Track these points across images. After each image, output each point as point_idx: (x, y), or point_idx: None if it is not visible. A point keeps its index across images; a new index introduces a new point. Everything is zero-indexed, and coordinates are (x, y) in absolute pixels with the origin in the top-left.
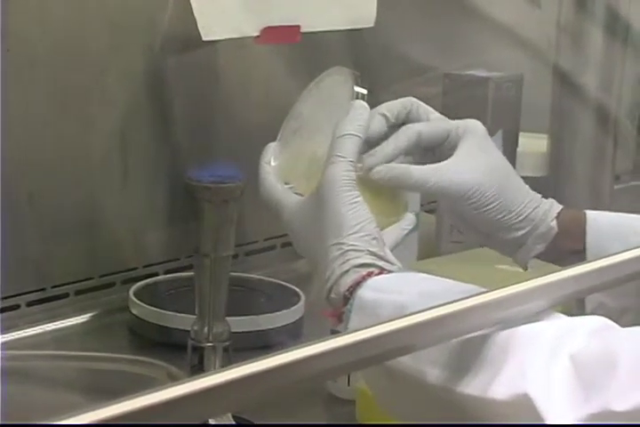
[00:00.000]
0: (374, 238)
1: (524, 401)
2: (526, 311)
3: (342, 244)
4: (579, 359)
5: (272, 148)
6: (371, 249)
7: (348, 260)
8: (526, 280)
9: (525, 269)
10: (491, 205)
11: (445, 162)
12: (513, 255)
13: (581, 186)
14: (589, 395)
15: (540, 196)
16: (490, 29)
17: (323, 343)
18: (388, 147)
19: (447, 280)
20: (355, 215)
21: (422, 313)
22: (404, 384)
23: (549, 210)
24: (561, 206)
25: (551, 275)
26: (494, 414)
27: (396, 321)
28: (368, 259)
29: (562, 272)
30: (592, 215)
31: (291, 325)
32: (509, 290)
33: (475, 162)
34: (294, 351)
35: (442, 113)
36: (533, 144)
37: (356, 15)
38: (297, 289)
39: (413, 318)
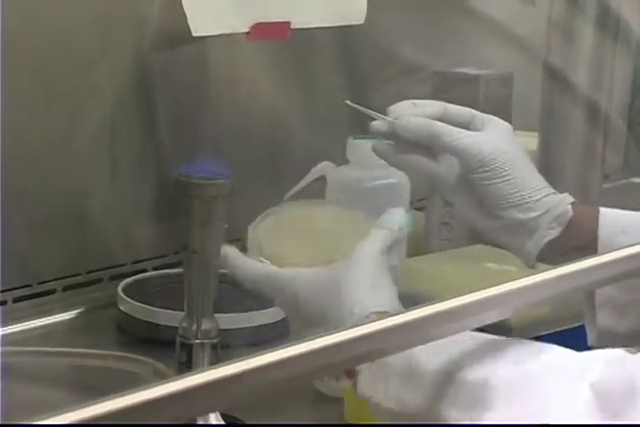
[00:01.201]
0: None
1: None
2: (517, 309)
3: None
4: (599, 387)
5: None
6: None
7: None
8: (517, 278)
9: (533, 264)
10: (507, 177)
11: (471, 131)
12: (523, 247)
13: (571, 184)
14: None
15: (553, 190)
16: (481, 27)
17: (312, 342)
18: (414, 110)
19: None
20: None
21: (411, 312)
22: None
23: (564, 198)
24: (573, 199)
25: (541, 273)
26: None
27: (385, 320)
28: None
29: (552, 271)
30: (605, 210)
31: (279, 322)
32: (503, 287)
33: (498, 140)
34: (283, 350)
35: None
36: (523, 142)
37: (347, 12)
38: None
39: (402, 318)
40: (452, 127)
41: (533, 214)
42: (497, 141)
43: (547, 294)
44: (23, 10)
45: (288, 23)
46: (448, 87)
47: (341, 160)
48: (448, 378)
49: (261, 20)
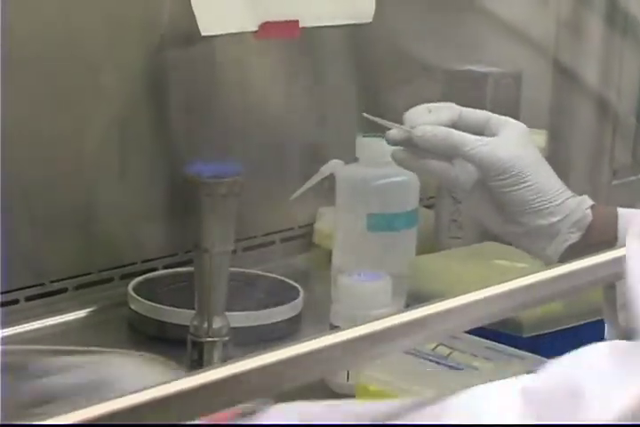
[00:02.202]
0: None
1: None
2: (532, 304)
3: None
4: (531, 393)
5: None
6: None
7: None
8: (527, 275)
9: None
10: (528, 183)
11: (488, 137)
12: (544, 251)
13: (579, 181)
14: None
15: (571, 192)
16: (489, 25)
17: (322, 338)
18: (429, 117)
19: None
20: None
21: (419, 309)
22: None
23: (583, 201)
24: (592, 202)
25: (544, 272)
26: None
27: (395, 317)
28: None
29: (555, 269)
30: (623, 210)
31: (289, 320)
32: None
33: (515, 144)
34: (293, 347)
35: None
36: (532, 140)
37: (355, 10)
38: (296, 284)
39: (409, 315)
40: (469, 136)
41: (554, 219)
42: (514, 147)
43: (561, 289)
44: (33, 11)
45: (297, 22)
46: (457, 85)
47: (350, 158)
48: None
49: (270, 18)
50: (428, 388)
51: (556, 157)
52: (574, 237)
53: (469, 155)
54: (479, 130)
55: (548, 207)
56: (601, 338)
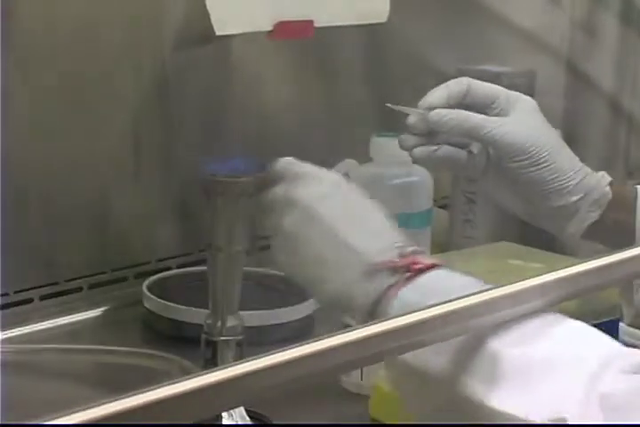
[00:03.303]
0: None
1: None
2: (541, 306)
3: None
4: (609, 400)
5: None
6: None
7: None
8: (543, 274)
9: (577, 244)
10: (545, 164)
11: (502, 117)
12: (564, 230)
13: None
14: None
15: (589, 168)
16: (503, 26)
17: (335, 337)
18: (438, 91)
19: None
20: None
21: (433, 308)
22: (436, 392)
23: (601, 179)
24: (610, 178)
25: (565, 269)
26: None
27: (407, 316)
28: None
29: (575, 267)
30: None
31: (303, 319)
32: (525, 284)
33: (529, 123)
34: (307, 345)
35: None
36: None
37: (370, 11)
38: None
39: (424, 313)
40: (485, 117)
41: (574, 199)
42: (531, 126)
43: (577, 288)
44: (46, 12)
45: (311, 22)
46: None
47: (364, 158)
48: (472, 347)
49: (284, 18)
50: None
51: None
52: (594, 215)
53: (487, 137)
54: (489, 104)
55: (566, 187)
56: (615, 338)
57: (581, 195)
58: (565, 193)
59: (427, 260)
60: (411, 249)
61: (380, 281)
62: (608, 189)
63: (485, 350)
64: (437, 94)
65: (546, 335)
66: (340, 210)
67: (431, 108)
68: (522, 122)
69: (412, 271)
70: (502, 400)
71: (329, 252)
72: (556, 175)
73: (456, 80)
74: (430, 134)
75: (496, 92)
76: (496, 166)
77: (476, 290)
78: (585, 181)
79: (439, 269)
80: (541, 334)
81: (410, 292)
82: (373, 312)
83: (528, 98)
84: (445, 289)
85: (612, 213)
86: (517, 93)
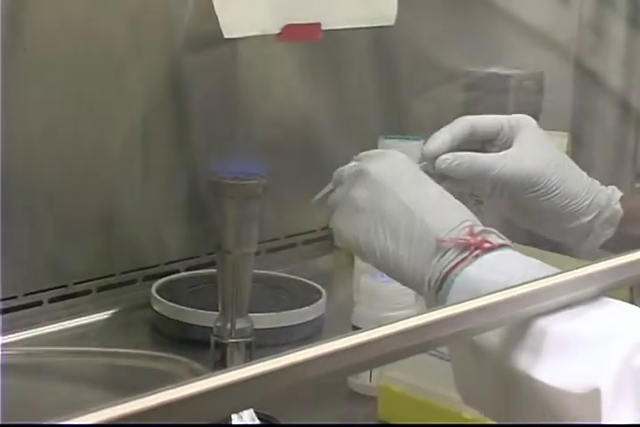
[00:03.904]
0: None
1: (594, 396)
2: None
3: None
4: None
5: None
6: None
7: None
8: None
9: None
10: (556, 191)
11: (507, 151)
12: (580, 246)
13: (602, 184)
14: None
15: (598, 182)
16: (512, 27)
17: (344, 339)
18: (443, 135)
19: (555, 269)
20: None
21: (442, 310)
22: (486, 363)
23: (612, 195)
24: (621, 193)
25: (569, 272)
26: (560, 403)
27: (415, 318)
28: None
29: (581, 269)
30: None
31: (312, 321)
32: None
33: (536, 151)
34: (316, 347)
35: (463, 111)
36: (554, 142)
37: (377, 13)
38: (318, 286)
39: (433, 316)
40: (491, 156)
41: (587, 219)
42: (537, 156)
43: (587, 289)
44: (55, 13)
45: (319, 25)
46: (479, 87)
47: None
48: (521, 323)
49: (292, 21)
50: (451, 389)
51: (579, 159)
52: (608, 233)
53: (497, 178)
54: (493, 137)
55: (579, 209)
56: None
57: (594, 214)
58: (579, 215)
59: (496, 240)
60: (481, 228)
61: (449, 258)
62: (619, 206)
63: (533, 326)
64: (441, 140)
65: (590, 314)
66: (411, 185)
67: (436, 155)
68: (528, 152)
69: (481, 249)
70: (543, 372)
71: (402, 225)
72: (568, 200)
73: (460, 122)
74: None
75: (499, 123)
76: (500, 193)
77: (537, 272)
78: (596, 200)
79: (506, 249)
80: (586, 313)
81: (474, 269)
82: (440, 288)
83: (528, 119)
84: (508, 269)
85: (627, 229)
86: (517, 117)
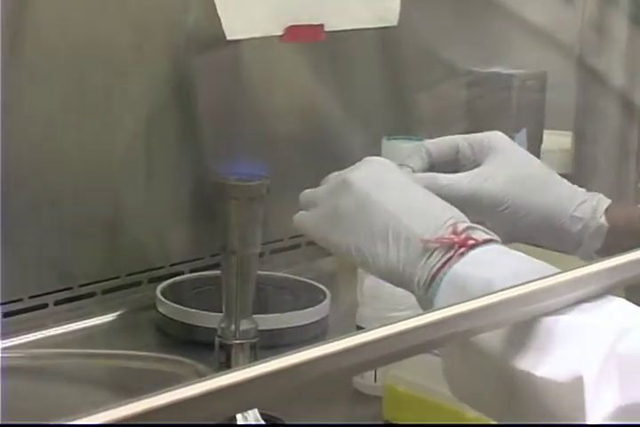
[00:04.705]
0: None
1: (577, 384)
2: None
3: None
4: (623, 359)
5: None
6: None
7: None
8: (550, 276)
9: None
10: (527, 211)
11: (471, 171)
12: (574, 252)
13: (606, 183)
14: (625, 389)
15: (584, 190)
16: (515, 26)
17: (348, 339)
18: (412, 164)
19: (542, 263)
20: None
21: (445, 310)
22: (474, 356)
23: (597, 206)
24: (609, 201)
25: (568, 272)
26: (543, 392)
27: (418, 318)
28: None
29: (578, 270)
30: None
31: (316, 322)
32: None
33: (501, 169)
34: (320, 347)
35: (467, 110)
36: (558, 141)
37: (380, 14)
38: (322, 287)
39: (436, 315)
40: (452, 176)
41: (573, 231)
42: (502, 173)
43: (585, 290)
44: (57, 15)
45: (321, 26)
46: (482, 87)
47: None
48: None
49: (295, 22)
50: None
51: (582, 158)
52: (598, 243)
53: (461, 196)
54: (452, 157)
55: (561, 224)
56: None
57: (579, 227)
58: (563, 230)
59: (481, 236)
60: (465, 225)
61: (436, 258)
62: (603, 219)
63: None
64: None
65: (579, 306)
66: (393, 190)
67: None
68: (492, 172)
69: (465, 247)
70: (528, 362)
71: (389, 230)
72: (544, 216)
73: (416, 151)
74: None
75: (454, 145)
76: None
77: (524, 266)
78: (578, 213)
79: (492, 244)
80: (576, 305)
81: (460, 266)
82: (429, 288)
83: (499, 136)
84: (493, 264)
85: (620, 241)
86: (486, 135)
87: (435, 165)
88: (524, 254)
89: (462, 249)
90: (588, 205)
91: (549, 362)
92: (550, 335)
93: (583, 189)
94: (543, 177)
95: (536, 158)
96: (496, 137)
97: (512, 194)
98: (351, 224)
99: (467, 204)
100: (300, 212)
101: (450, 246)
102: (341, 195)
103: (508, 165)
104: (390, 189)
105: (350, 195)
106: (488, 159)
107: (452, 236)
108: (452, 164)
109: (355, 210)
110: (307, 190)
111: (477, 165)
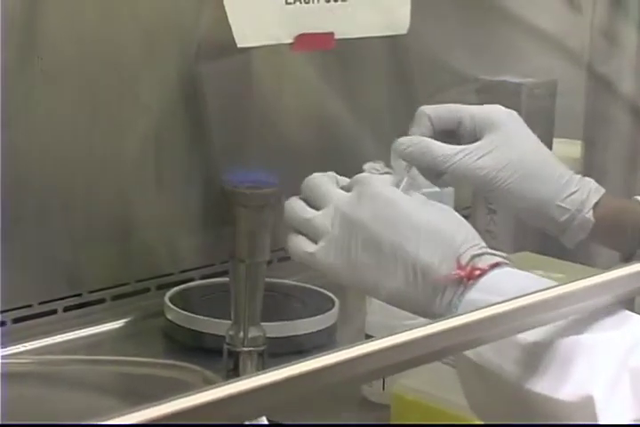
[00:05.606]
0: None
1: (588, 403)
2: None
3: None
4: (637, 373)
5: None
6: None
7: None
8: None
9: (593, 257)
10: (513, 192)
11: (467, 146)
12: (560, 238)
13: (615, 192)
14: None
15: (579, 177)
16: (523, 34)
17: (357, 348)
18: (413, 129)
19: (550, 282)
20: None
21: (454, 319)
22: (488, 380)
23: (587, 200)
24: (602, 192)
25: (573, 283)
26: (557, 413)
27: (427, 327)
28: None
29: (580, 282)
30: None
31: (325, 330)
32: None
33: (496, 148)
34: (328, 356)
35: None
36: (567, 150)
37: (390, 22)
38: (331, 295)
39: (445, 324)
40: (449, 147)
41: (561, 219)
42: (495, 153)
43: (605, 296)
44: (69, 22)
45: (332, 34)
46: (491, 95)
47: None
48: (541, 341)
49: (305, 30)
50: (464, 397)
51: (592, 166)
52: (581, 235)
53: (451, 171)
54: (453, 127)
55: (548, 210)
56: None
57: (566, 216)
58: (550, 217)
59: (485, 262)
60: (469, 256)
61: (449, 295)
62: (590, 215)
63: (529, 338)
64: (412, 134)
65: (593, 325)
66: (399, 222)
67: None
68: (486, 150)
69: (473, 278)
70: (538, 383)
71: (400, 265)
72: (529, 201)
73: (419, 113)
74: None
75: (457, 116)
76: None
77: (533, 287)
78: (565, 204)
79: (502, 268)
80: (587, 322)
81: (473, 293)
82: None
83: (502, 112)
84: (502, 288)
85: (607, 232)
86: (488, 109)
87: (435, 132)
88: (531, 274)
89: (470, 281)
90: (578, 198)
91: (560, 382)
92: (560, 354)
93: (579, 176)
94: (537, 161)
95: (535, 138)
96: (500, 112)
97: (498, 176)
98: (361, 260)
99: (457, 177)
100: (302, 240)
101: (459, 281)
102: (352, 233)
103: (504, 146)
104: (393, 221)
105: (361, 232)
106: (487, 135)
107: (458, 271)
108: (452, 132)
109: (365, 246)
110: (300, 215)
111: (476, 139)
